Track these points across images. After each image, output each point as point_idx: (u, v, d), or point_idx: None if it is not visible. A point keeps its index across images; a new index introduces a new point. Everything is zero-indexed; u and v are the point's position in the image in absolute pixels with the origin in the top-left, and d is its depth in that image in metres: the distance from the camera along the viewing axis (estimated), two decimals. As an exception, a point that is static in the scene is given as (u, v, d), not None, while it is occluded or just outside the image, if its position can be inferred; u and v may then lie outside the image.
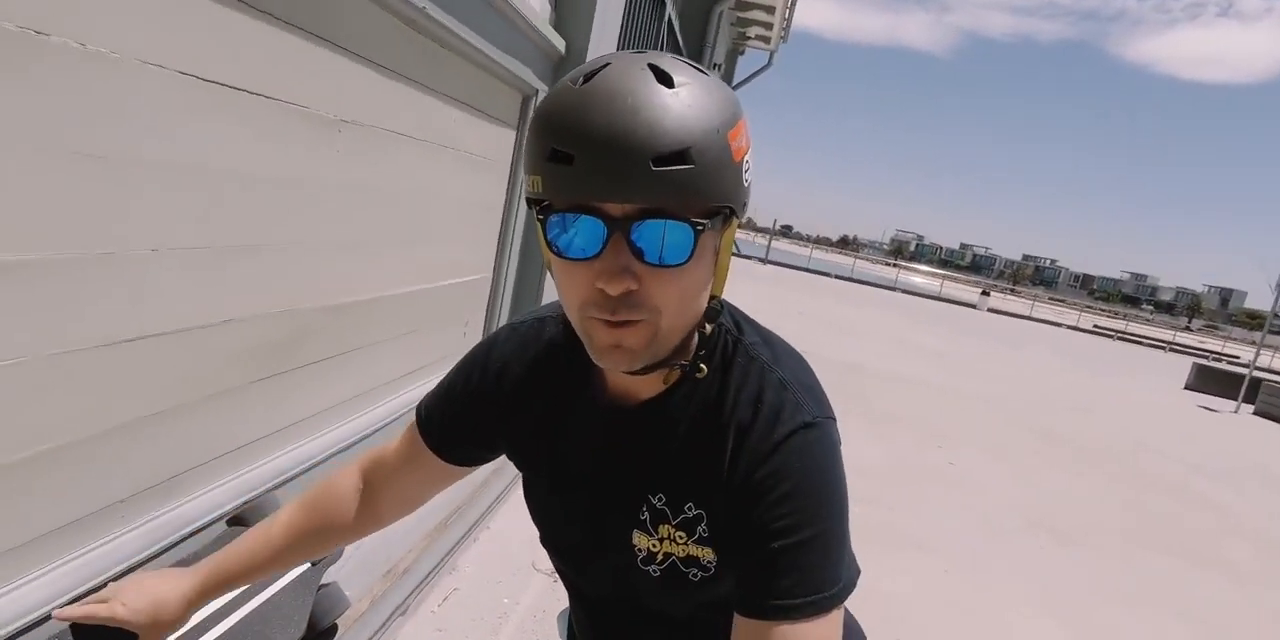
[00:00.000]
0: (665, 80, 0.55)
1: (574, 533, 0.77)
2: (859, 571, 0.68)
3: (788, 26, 10.41)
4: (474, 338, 2.64)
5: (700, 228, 0.57)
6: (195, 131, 1.14)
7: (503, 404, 0.78)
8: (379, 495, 0.86)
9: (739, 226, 0.65)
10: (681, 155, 0.54)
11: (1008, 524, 3.81)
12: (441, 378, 0.83)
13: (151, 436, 1.19)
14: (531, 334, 0.79)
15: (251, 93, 1.25)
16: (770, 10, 9.26)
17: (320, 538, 0.86)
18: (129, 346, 1.10)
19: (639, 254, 0.57)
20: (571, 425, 0.75)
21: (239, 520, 1.34)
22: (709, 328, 0.67)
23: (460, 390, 0.81)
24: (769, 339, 0.73)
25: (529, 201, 0.60)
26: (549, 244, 0.59)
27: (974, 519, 3.77)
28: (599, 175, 0.54)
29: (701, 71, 0.59)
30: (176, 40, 1.07)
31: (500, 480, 2.42)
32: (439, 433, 0.82)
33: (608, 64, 0.57)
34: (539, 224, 0.60)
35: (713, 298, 0.65)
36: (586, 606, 0.85)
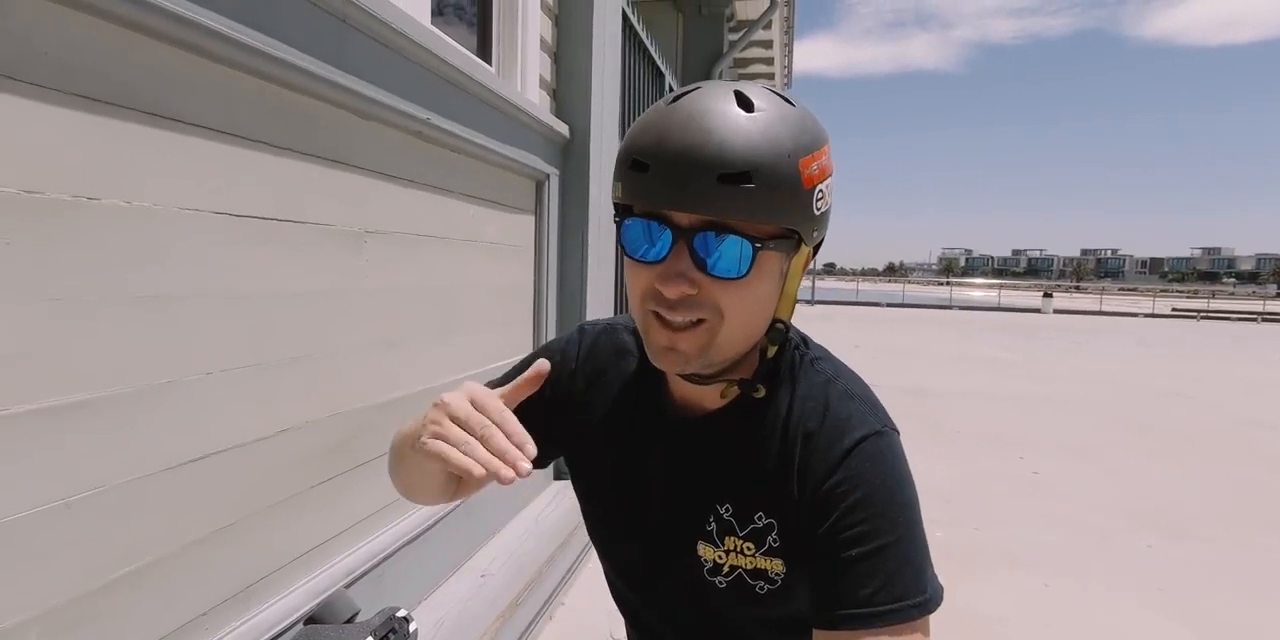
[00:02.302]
0: (746, 105, 0.60)
1: (639, 547, 0.78)
2: (943, 587, 0.67)
3: (789, 74, 10.72)
4: (524, 415, 2.70)
5: (759, 246, 0.60)
6: (234, 262, 1.26)
7: (576, 401, 0.80)
8: None
9: (812, 255, 0.67)
10: (747, 175, 0.57)
11: (1109, 526, 3.57)
12: (510, 367, 0.83)
13: (224, 549, 1.26)
14: (605, 338, 0.82)
15: (281, 220, 1.38)
16: (768, 62, 9.58)
17: (436, 483, 0.72)
18: (195, 466, 1.18)
19: (700, 264, 0.61)
20: (638, 434, 0.76)
21: (314, 619, 1.39)
22: (771, 350, 0.69)
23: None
24: (829, 356, 0.76)
25: (615, 206, 0.66)
26: (623, 246, 0.64)
27: (1069, 526, 3.55)
28: (669, 185, 0.59)
29: (788, 102, 0.62)
30: (209, 184, 1.20)
31: (568, 554, 2.42)
32: None
33: (699, 88, 0.62)
34: (616, 226, 0.65)
35: (779, 321, 0.67)
36: (648, 637, 0.84)
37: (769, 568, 0.70)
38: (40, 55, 0.92)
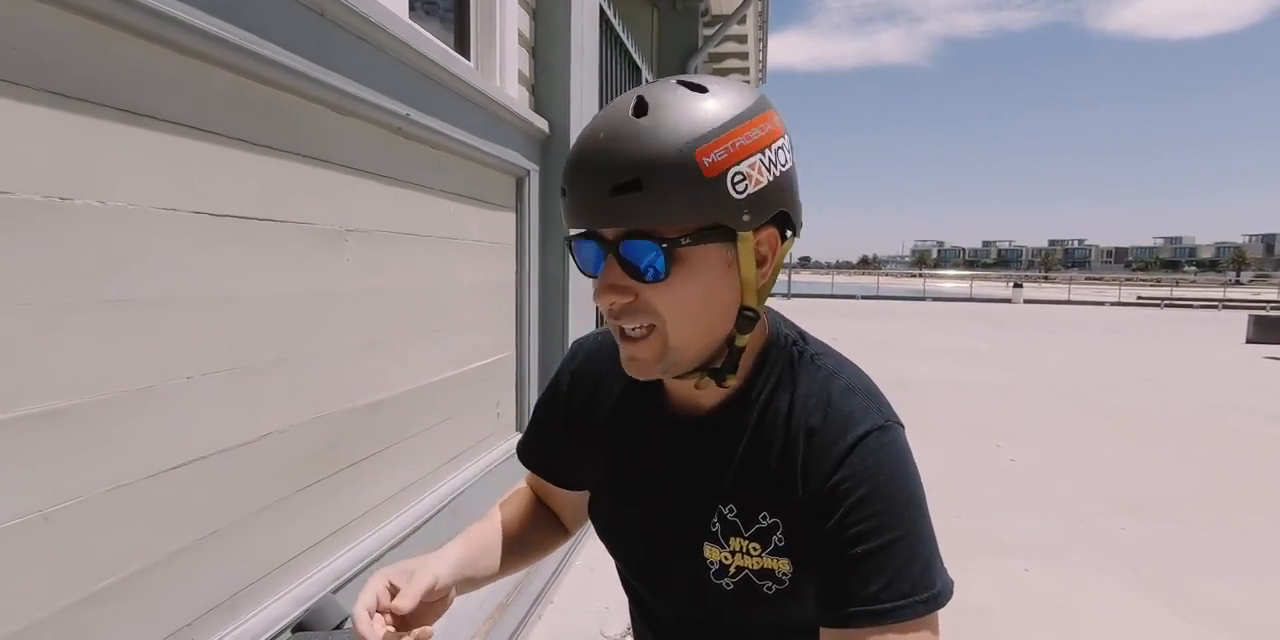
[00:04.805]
0: (641, 108, 0.59)
1: (644, 549, 0.78)
2: (952, 581, 0.66)
3: (764, 68, 10.75)
4: (508, 417, 2.68)
5: (666, 246, 0.59)
6: (213, 263, 1.23)
7: (579, 414, 0.82)
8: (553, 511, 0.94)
9: (765, 236, 0.64)
10: (635, 182, 0.57)
11: (1084, 510, 3.66)
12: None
13: (209, 557, 1.23)
14: (598, 348, 0.83)
15: (260, 219, 1.34)
16: (743, 56, 9.59)
17: (539, 536, 0.91)
18: (176, 473, 1.15)
19: (632, 271, 0.62)
20: (641, 436, 0.77)
21: (303, 626, 1.36)
22: (741, 339, 0.68)
23: (544, 416, 0.87)
24: (829, 350, 0.76)
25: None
26: (577, 266, 0.67)
27: (1046, 512, 3.64)
28: (580, 205, 0.61)
29: (697, 89, 0.61)
30: (186, 183, 1.16)
31: (555, 554, 2.41)
32: (537, 464, 0.90)
33: (619, 98, 0.63)
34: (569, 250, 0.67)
35: (747, 309, 0.66)
36: (656, 631, 0.84)
37: (776, 568, 0.69)
38: (7, 49, 0.88)
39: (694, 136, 0.58)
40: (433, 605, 0.72)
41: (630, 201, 0.58)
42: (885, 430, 0.68)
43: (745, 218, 0.61)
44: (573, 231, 0.65)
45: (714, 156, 0.58)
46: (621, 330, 0.65)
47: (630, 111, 0.59)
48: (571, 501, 0.91)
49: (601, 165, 0.59)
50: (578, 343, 0.86)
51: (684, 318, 0.64)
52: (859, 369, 0.75)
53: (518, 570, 0.88)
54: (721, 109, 0.60)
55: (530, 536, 0.89)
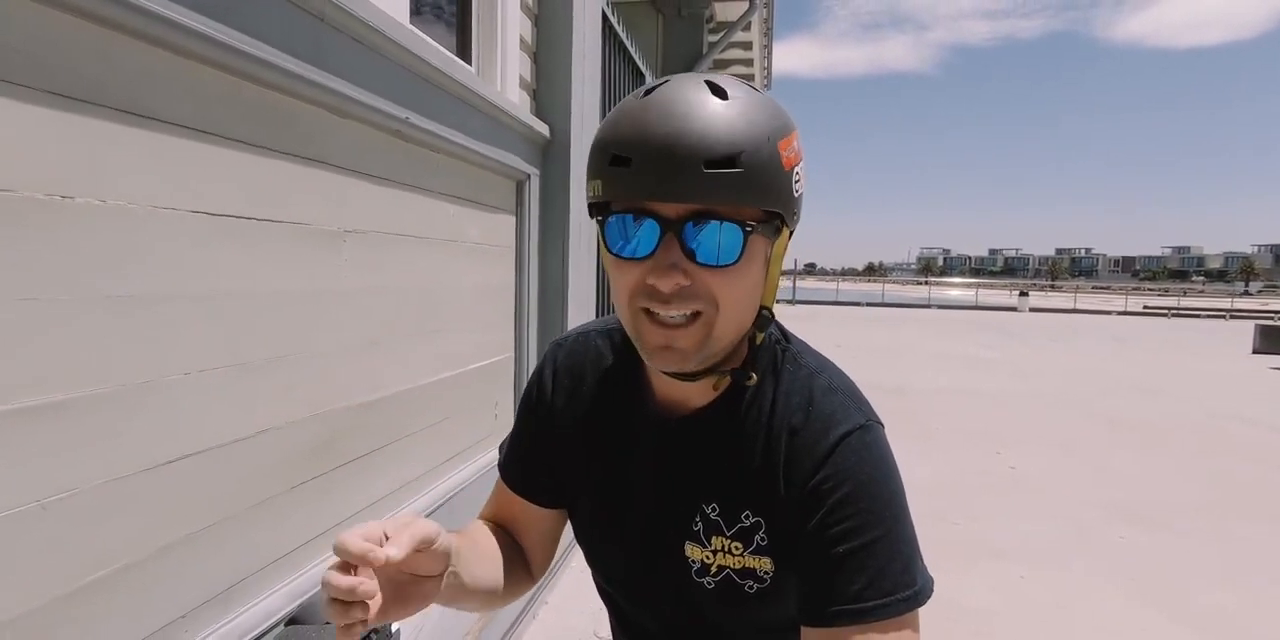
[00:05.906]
0: (719, 93, 0.60)
1: (625, 548, 0.77)
2: (932, 579, 0.67)
3: (769, 75, 10.78)
4: (505, 418, 2.70)
5: (749, 229, 0.60)
6: (210, 261, 1.25)
7: (558, 416, 0.80)
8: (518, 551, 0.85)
9: (789, 239, 0.67)
10: (732, 159, 0.57)
11: (1083, 518, 3.65)
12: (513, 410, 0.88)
13: (204, 551, 1.25)
14: (578, 347, 0.81)
15: (258, 219, 1.36)
16: (748, 63, 9.63)
17: (515, 568, 0.81)
18: (172, 467, 1.17)
19: (690, 254, 0.60)
20: (621, 436, 0.76)
21: (295, 620, 1.38)
22: (760, 337, 0.69)
23: (523, 423, 0.84)
24: (810, 350, 0.76)
25: (590, 207, 0.65)
26: (606, 245, 0.63)
27: (1045, 519, 3.63)
28: (654, 177, 0.57)
29: (755, 89, 0.63)
30: (185, 183, 1.19)
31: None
32: (520, 477, 0.84)
33: (669, 80, 0.62)
34: (598, 226, 0.64)
35: (764, 308, 0.67)
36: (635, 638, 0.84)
37: (758, 567, 0.69)
38: (9, 51, 0.91)
39: (774, 128, 0.60)
40: (417, 588, 0.64)
41: (724, 178, 0.57)
42: (867, 430, 0.68)
43: (794, 216, 0.64)
44: (613, 205, 0.62)
45: (789, 151, 0.61)
46: (651, 316, 0.63)
47: (709, 93, 0.59)
48: (542, 536, 0.86)
49: (693, 138, 0.56)
50: (556, 342, 0.85)
51: (736, 307, 0.63)
52: (838, 368, 0.76)
53: (486, 604, 0.78)
54: (784, 112, 0.63)
55: (511, 564, 0.82)
